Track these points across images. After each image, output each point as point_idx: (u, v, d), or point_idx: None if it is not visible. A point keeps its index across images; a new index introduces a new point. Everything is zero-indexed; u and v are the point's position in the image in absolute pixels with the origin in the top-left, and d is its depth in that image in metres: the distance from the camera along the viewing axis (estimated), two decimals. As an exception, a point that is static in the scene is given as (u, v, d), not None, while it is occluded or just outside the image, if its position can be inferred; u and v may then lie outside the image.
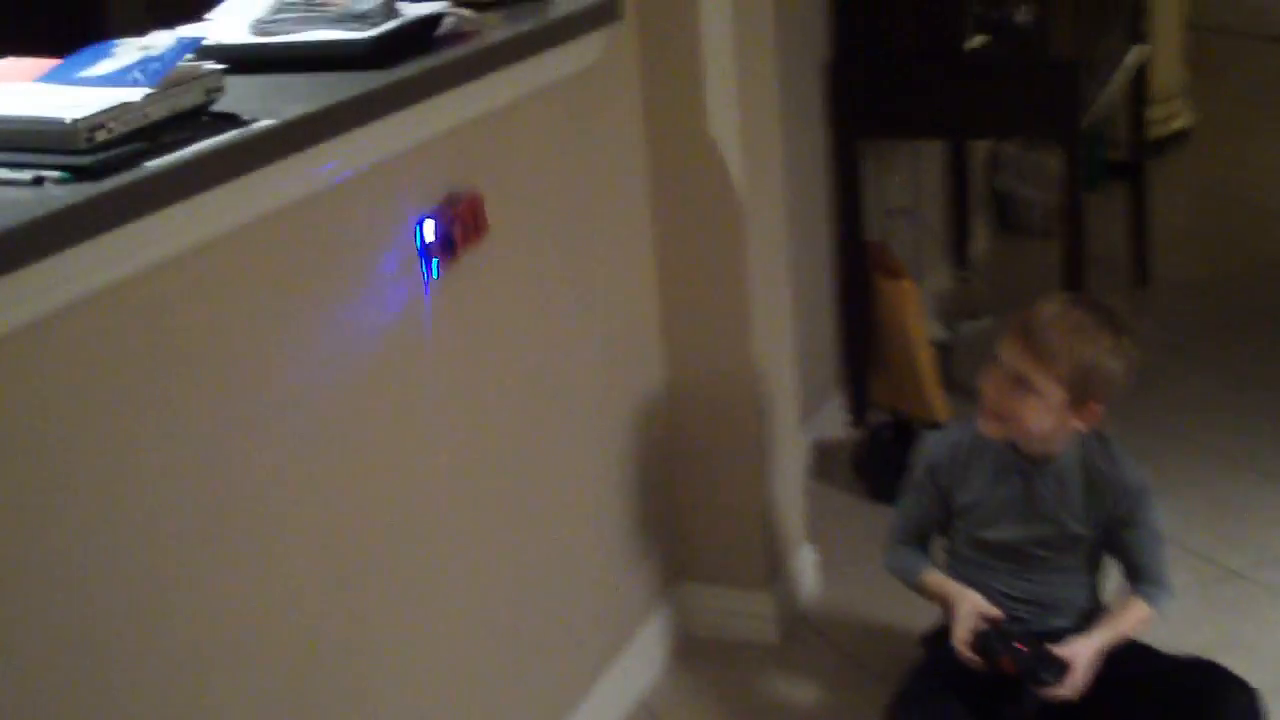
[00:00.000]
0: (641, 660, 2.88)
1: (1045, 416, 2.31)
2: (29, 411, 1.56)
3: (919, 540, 2.55)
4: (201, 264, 1.75)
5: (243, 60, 1.99)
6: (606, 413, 2.74)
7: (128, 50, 1.77)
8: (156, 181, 1.61)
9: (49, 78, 1.74)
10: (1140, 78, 4.55)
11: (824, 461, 3.64)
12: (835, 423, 3.81)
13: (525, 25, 2.30)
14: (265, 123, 1.76)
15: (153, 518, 1.72)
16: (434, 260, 2.14)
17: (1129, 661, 2.36)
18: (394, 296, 2.11)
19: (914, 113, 3.67)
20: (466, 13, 2.27)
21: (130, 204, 1.58)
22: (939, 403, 3.71)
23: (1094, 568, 2.48)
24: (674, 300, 2.87)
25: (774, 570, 3.01)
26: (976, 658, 2.32)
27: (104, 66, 1.74)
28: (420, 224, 2.12)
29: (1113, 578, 2.51)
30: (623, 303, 2.77)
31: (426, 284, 2.16)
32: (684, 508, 2.98)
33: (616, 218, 2.73)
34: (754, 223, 2.82)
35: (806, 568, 3.16)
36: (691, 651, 3.01)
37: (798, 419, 3.14)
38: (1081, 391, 2.29)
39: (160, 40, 1.80)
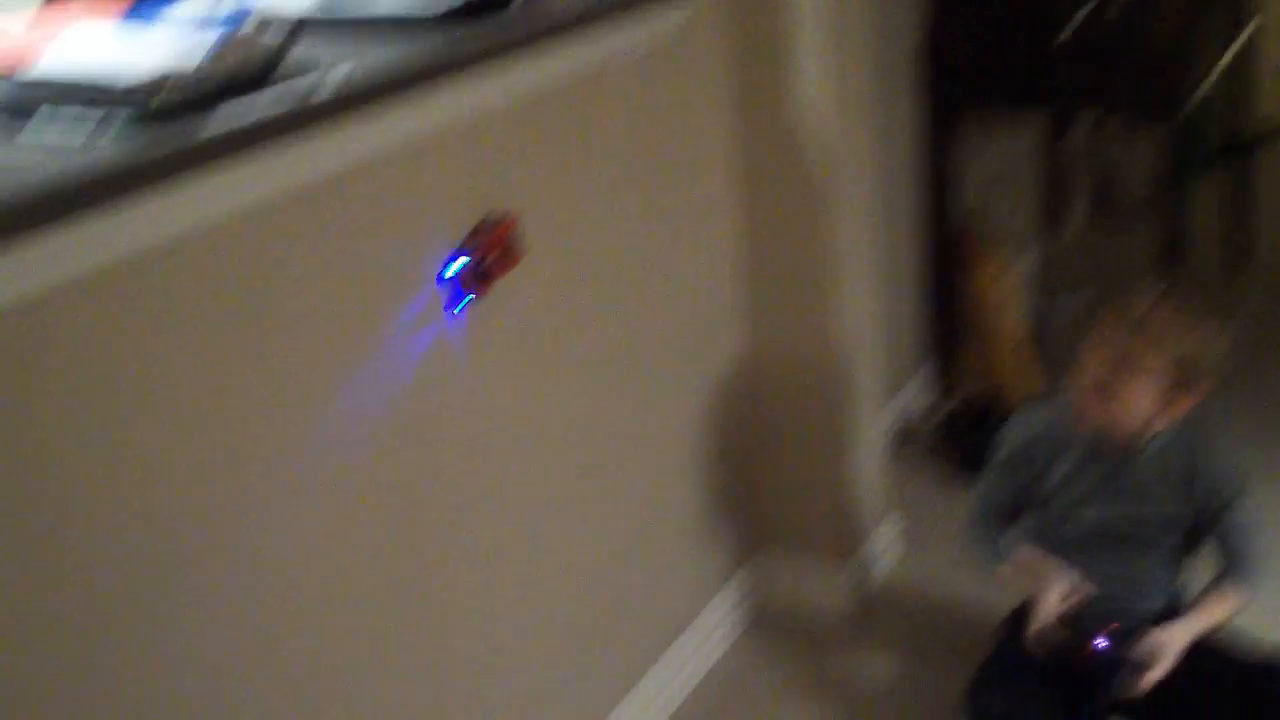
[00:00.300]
0: (715, 629, 2.87)
1: (1145, 401, 2.26)
2: (83, 365, 1.55)
3: (1001, 521, 2.51)
4: (251, 228, 1.73)
5: (310, 23, 1.96)
6: (688, 385, 2.71)
7: (195, 6, 1.76)
8: (213, 142, 1.59)
9: (121, 24, 1.73)
10: (1251, 55, 4.43)
11: (910, 436, 3.60)
12: (922, 397, 3.76)
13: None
14: (329, 86, 1.73)
15: (190, 481, 1.71)
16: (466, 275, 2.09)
17: (1211, 655, 2.31)
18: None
19: (1012, 86, 3.60)
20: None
21: (185, 163, 1.56)
22: (1029, 380, 3.65)
23: (1179, 556, 2.43)
24: (757, 274, 2.83)
25: (853, 544, 2.98)
26: (1058, 635, 2.27)
27: (170, 21, 1.73)
28: (453, 258, 2.04)
29: (1204, 567, 2.45)
30: (705, 276, 2.74)
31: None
32: (764, 479, 2.96)
33: (699, 190, 2.69)
34: (842, 196, 2.78)
35: (887, 542, 3.12)
36: (766, 622, 2.99)
37: (881, 393, 3.10)
38: (1182, 376, 2.24)
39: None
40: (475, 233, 2.04)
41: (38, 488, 1.49)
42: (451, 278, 2.01)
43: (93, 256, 1.51)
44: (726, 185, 2.76)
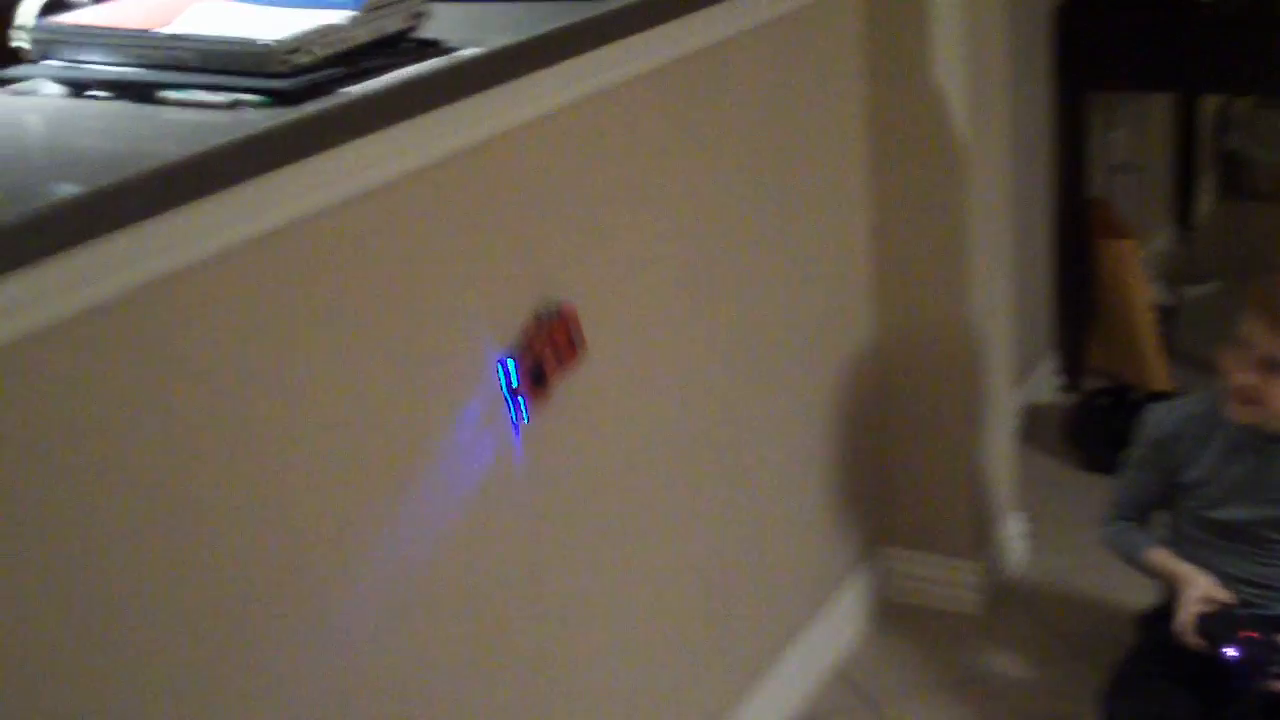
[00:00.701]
0: (840, 624, 2.81)
1: None
2: (237, 330, 1.52)
3: (1140, 516, 2.43)
4: (398, 197, 1.69)
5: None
6: (814, 372, 2.65)
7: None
8: (356, 109, 1.55)
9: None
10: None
11: (1035, 427, 3.51)
12: (1048, 387, 3.67)
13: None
14: (470, 51, 1.70)
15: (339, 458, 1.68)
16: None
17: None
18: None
19: (1144, 64, 3.52)
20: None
21: (328, 131, 1.53)
22: (1159, 370, 3.55)
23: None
24: (888, 255, 2.76)
25: (981, 538, 2.90)
26: (1201, 642, 2.19)
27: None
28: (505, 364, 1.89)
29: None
30: (833, 258, 2.68)
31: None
32: (890, 470, 2.89)
33: (828, 167, 2.63)
34: (977, 174, 2.70)
35: (1014, 537, 3.04)
36: (892, 618, 2.92)
37: (1011, 381, 3.02)
38: None
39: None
40: (530, 330, 1.90)
41: (176, 471, 1.47)
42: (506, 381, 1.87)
43: (234, 229, 1.48)
44: (856, 162, 2.69)
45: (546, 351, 1.91)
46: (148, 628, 1.46)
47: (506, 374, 1.87)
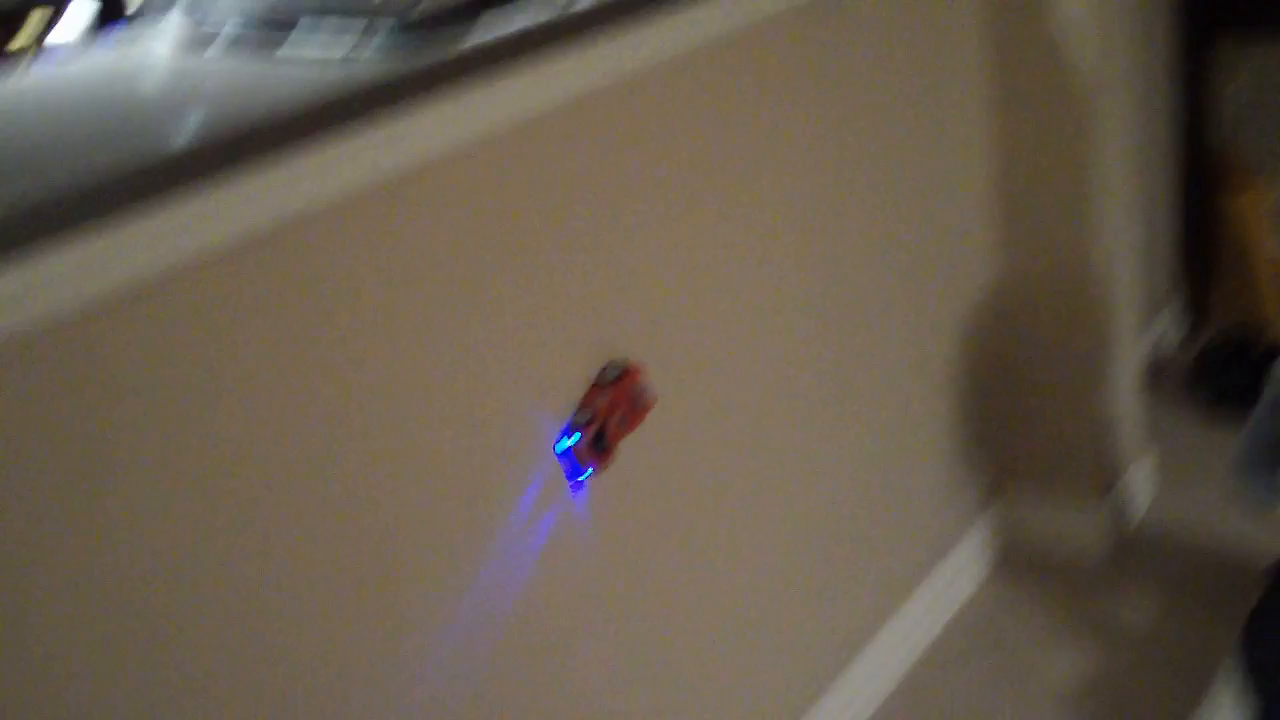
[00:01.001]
0: (965, 569, 2.80)
1: None
2: (363, 272, 1.55)
3: (1272, 461, 2.39)
4: (523, 140, 1.70)
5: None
6: (939, 317, 2.64)
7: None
8: (477, 55, 1.57)
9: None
10: None
11: (1158, 375, 3.47)
12: (1171, 334, 3.62)
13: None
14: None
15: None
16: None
17: None
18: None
19: (1272, 4, 3.43)
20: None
21: (449, 77, 1.54)
22: (1282, 319, 3.49)
23: None
24: (1013, 198, 2.74)
25: (1107, 484, 2.88)
26: None
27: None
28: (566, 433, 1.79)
29: None
30: (958, 200, 2.66)
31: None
32: (1015, 415, 2.87)
33: (952, 109, 2.61)
34: (1104, 115, 2.66)
35: (1140, 483, 3.01)
36: (1016, 563, 2.91)
37: (1137, 323, 2.98)
38: None
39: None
40: (593, 391, 1.80)
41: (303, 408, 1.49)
42: (566, 452, 1.78)
43: (351, 175, 1.49)
44: (980, 105, 2.67)
45: (612, 417, 1.81)
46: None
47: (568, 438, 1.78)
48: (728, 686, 2.19)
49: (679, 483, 2.03)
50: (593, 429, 1.78)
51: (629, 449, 1.87)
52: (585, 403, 1.79)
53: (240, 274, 1.38)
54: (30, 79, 1.69)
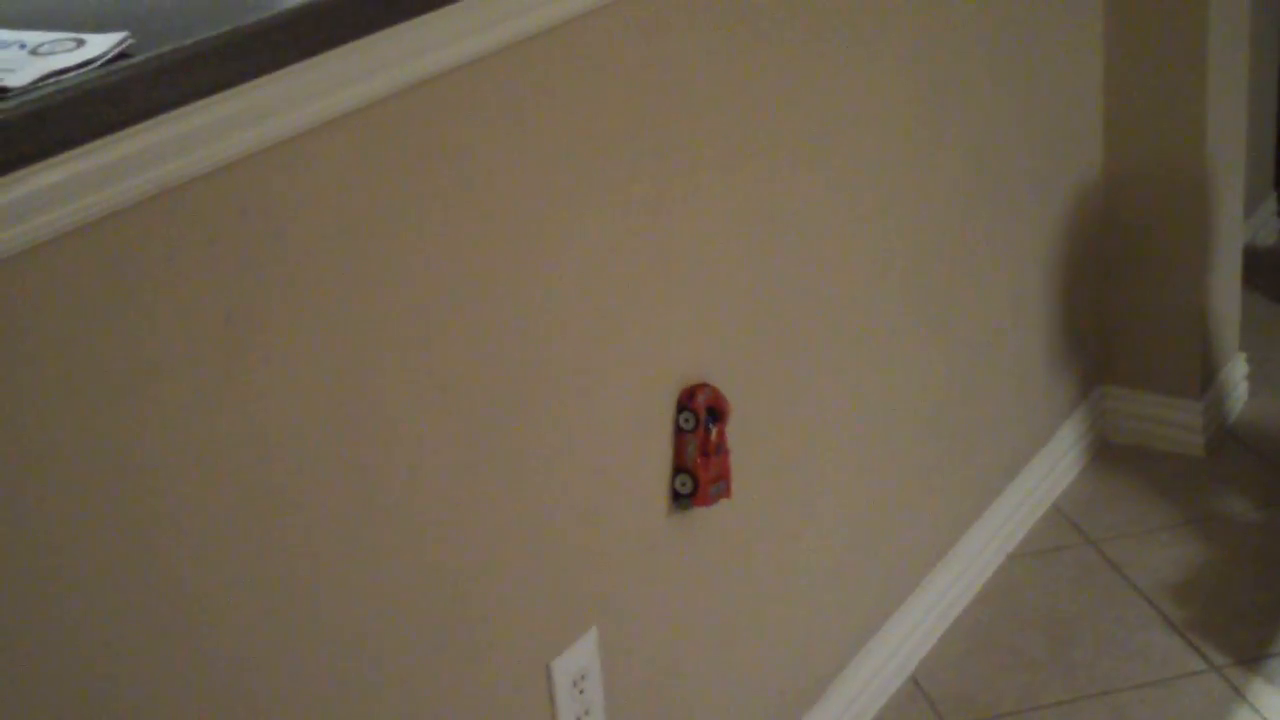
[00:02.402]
0: (1059, 461, 2.77)
1: None
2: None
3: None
4: None
5: None
6: (1040, 206, 2.59)
7: None
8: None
9: None
10: None
11: (1255, 268, 3.40)
12: (1269, 227, 3.55)
13: None
14: None
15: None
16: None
17: None
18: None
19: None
20: None
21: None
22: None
23: None
24: (1121, 81, 2.68)
25: (1204, 378, 2.83)
26: None
27: None
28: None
29: None
30: (1062, 87, 2.60)
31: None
32: (1113, 305, 2.83)
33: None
34: (1213, 4, 2.59)
35: (1237, 379, 2.96)
36: (1111, 457, 2.88)
37: (1240, 219, 2.92)
38: None
39: None
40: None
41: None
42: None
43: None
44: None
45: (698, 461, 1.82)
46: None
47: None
48: (821, 587, 2.17)
49: (788, 387, 2.01)
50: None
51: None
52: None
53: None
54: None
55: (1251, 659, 2.35)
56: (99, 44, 1.16)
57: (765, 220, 1.93)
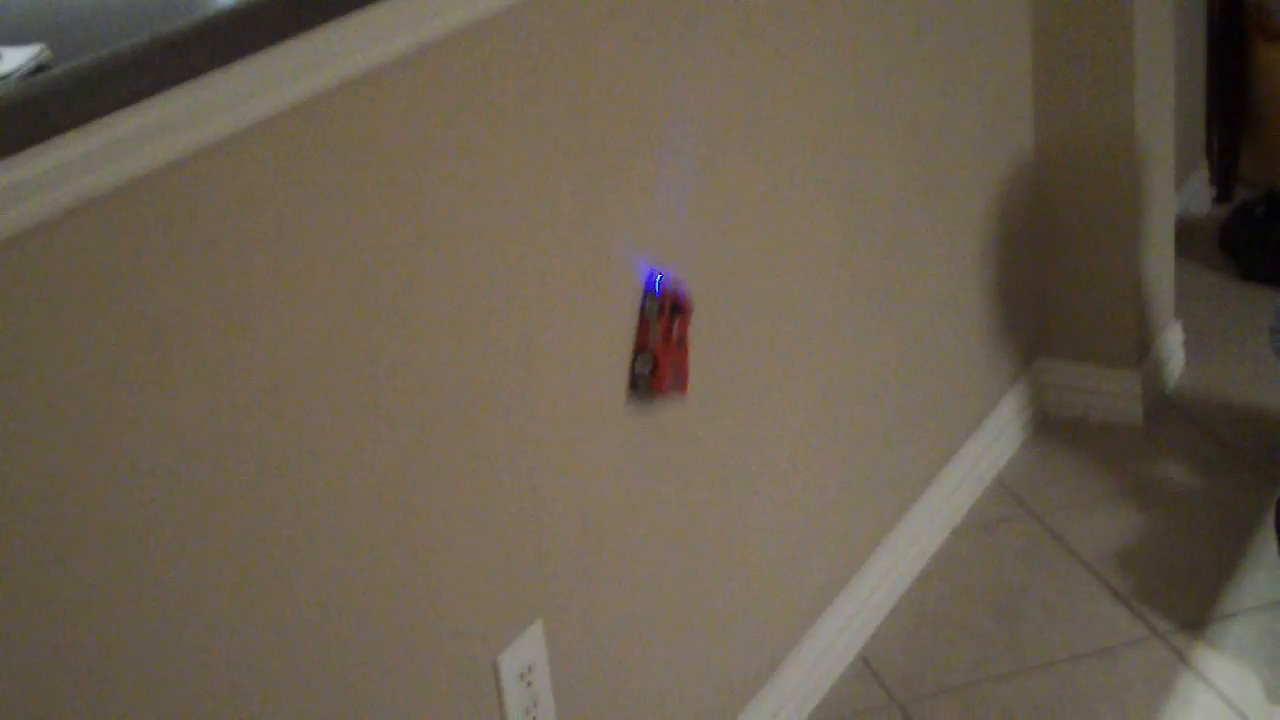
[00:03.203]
0: (1000, 436, 2.79)
1: None
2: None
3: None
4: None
5: None
6: (974, 183, 2.61)
7: None
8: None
9: None
10: None
11: (1187, 238, 3.44)
12: (1201, 197, 3.59)
13: None
14: None
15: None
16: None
17: None
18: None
19: None
20: None
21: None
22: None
23: None
24: (1049, 58, 2.70)
25: (1141, 348, 2.86)
26: None
27: None
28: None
29: None
30: (993, 66, 2.62)
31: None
32: (1050, 279, 2.85)
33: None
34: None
35: (1173, 347, 3.00)
36: (1051, 430, 2.90)
37: (1170, 189, 2.95)
38: None
39: None
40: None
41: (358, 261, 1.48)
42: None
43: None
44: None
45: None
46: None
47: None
48: (767, 568, 2.18)
49: (731, 370, 2.02)
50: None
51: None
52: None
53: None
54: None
55: (1195, 624, 2.38)
56: (15, 57, 1.15)
57: (703, 204, 1.93)
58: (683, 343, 1.86)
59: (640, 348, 1.83)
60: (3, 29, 1.26)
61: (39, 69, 1.14)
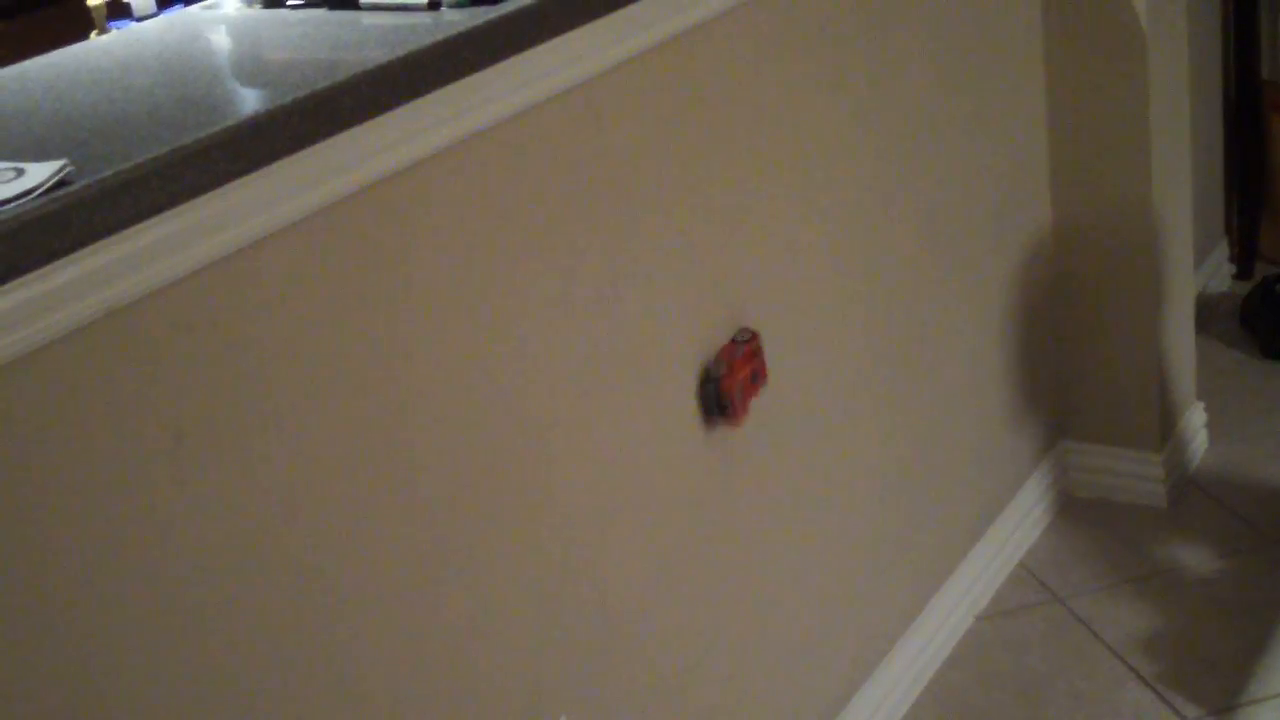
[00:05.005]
0: (1022, 520, 2.78)
1: None
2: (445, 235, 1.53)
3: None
4: (614, 84, 1.69)
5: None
6: (992, 263, 2.61)
7: None
8: (555, 6, 1.56)
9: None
10: None
11: (1208, 316, 3.44)
12: (1221, 275, 3.58)
13: None
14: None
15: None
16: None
17: None
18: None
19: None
20: None
21: (528, 29, 1.54)
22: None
23: None
24: (1066, 135, 2.71)
25: (1163, 429, 2.85)
26: None
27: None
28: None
29: None
30: (1011, 145, 2.63)
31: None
32: (1070, 360, 2.84)
33: (1005, 47, 2.58)
34: (1154, 53, 2.63)
35: (1196, 427, 2.98)
36: (1075, 511, 2.89)
37: (1189, 269, 2.95)
38: None
39: None
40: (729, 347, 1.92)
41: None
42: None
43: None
44: (1032, 45, 2.64)
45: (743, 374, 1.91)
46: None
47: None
48: (790, 660, 2.17)
49: (778, 448, 2.02)
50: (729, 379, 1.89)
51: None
52: (721, 354, 1.91)
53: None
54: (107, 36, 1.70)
55: (1223, 710, 2.36)
56: (38, 173, 1.16)
57: (717, 294, 1.94)
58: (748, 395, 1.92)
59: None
60: (26, 144, 1.28)
61: (60, 184, 1.16)
